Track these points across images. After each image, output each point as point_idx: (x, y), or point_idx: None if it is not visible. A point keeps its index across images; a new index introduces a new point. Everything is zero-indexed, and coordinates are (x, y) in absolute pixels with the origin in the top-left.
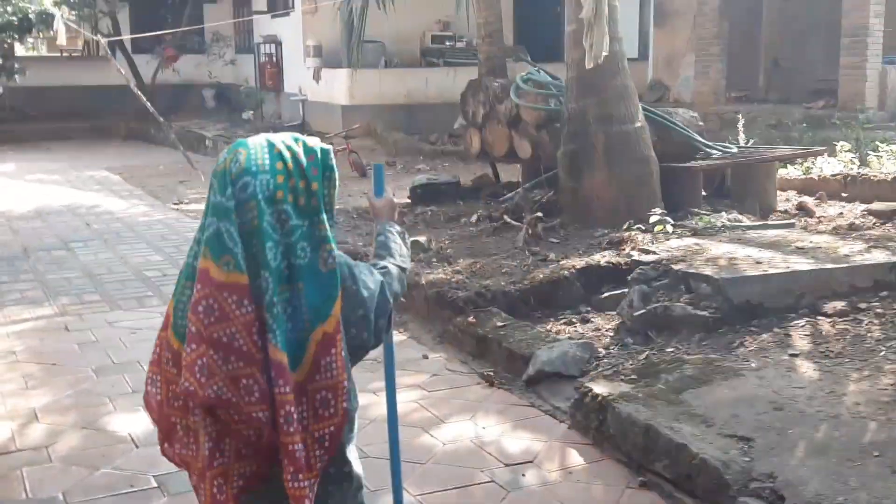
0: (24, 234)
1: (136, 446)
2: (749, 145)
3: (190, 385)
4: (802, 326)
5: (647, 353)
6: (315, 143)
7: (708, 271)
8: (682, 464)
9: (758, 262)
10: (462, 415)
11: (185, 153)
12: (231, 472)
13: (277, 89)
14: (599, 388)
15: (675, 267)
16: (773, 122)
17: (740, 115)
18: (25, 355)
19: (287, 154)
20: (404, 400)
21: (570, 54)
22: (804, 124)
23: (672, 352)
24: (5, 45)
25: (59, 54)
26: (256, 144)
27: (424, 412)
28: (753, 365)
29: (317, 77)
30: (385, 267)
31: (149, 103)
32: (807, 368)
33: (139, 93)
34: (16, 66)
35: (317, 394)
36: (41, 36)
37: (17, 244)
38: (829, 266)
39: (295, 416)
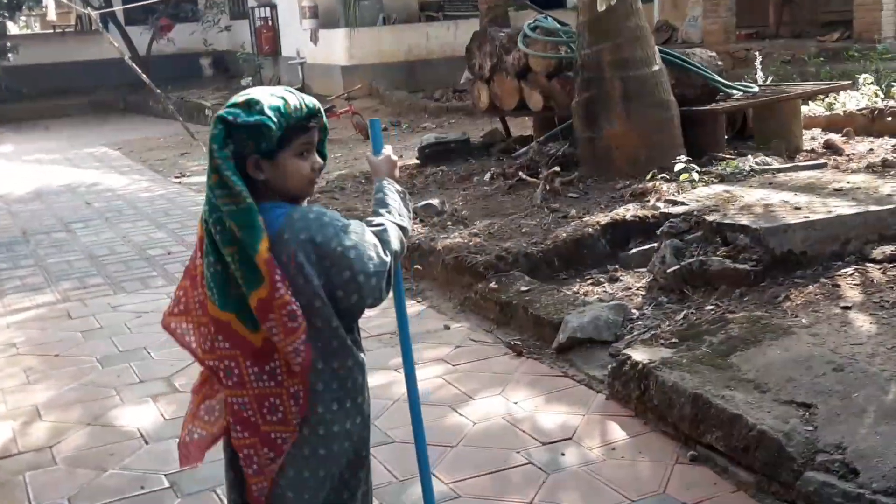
0: (22, 217)
1: (146, 442)
2: (768, 84)
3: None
4: (851, 275)
5: (684, 312)
6: (229, 105)
7: (744, 220)
8: (737, 436)
9: (796, 208)
10: (491, 389)
11: (184, 124)
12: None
13: (275, 53)
14: (639, 355)
15: (708, 218)
16: (788, 59)
17: (757, 53)
18: (26, 347)
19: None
20: (428, 376)
21: None
22: (820, 58)
23: (712, 310)
24: None
25: (51, 31)
26: None
27: (450, 388)
28: (804, 321)
29: (314, 39)
30: (381, 224)
31: (144, 75)
32: (863, 322)
33: (134, 65)
34: (8, 44)
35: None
36: (33, 13)
37: (16, 228)
38: (874, 208)
39: (237, 371)
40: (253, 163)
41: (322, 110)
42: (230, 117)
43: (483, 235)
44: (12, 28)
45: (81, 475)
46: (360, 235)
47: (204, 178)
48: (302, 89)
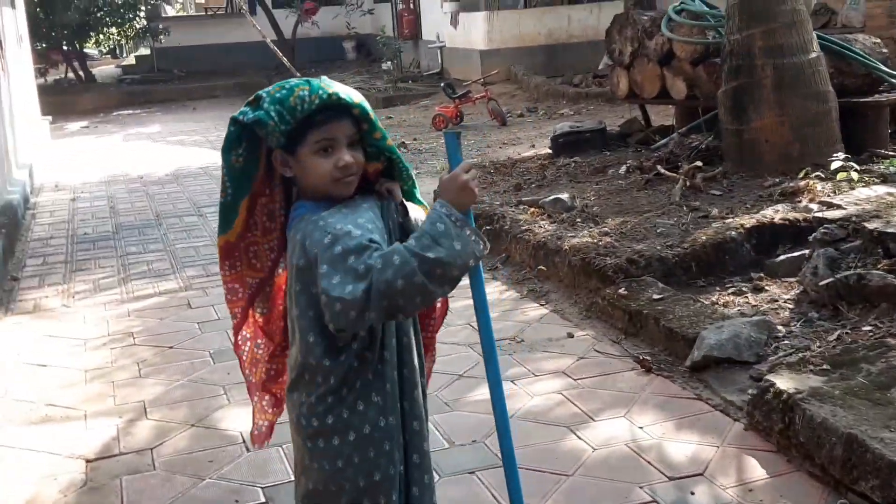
0: (158, 200)
1: (247, 449)
2: None
3: None
4: None
5: (838, 332)
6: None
7: None
8: None
9: None
10: (615, 409)
11: None
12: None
13: (415, 37)
14: (784, 383)
15: (869, 225)
16: None
17: None
18: (143, 337)
19: None
20: (547, 391)
21: None
22: None
23: (870, 331)
24: (150, 6)
25: (203, 13)
26: None
27: (570, 406)
28: None
29: (454, 22)
30: (390, 252)
31: (285, 59)
32: None
33: (274, 48)
34: (160, 26)
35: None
36: None
37: (151, 211)
38: None
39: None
40: (279, 158)
41: (350, 101)
42: (239, 116)
43: (614, 235)
44: (169, 10)
45: (178, 483)
46: (344, 255)
47: None
48: (441, 73)
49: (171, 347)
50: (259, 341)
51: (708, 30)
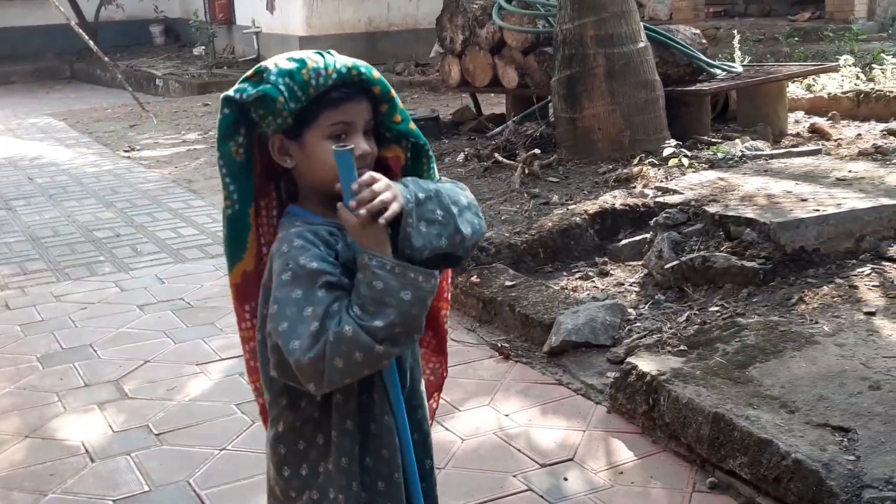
0: None
1: (92, 460)
2: (748, 64)
3: None
4: (868, 275)
5: (687, 313)
6: (240, 80)
7: (750, 213)
8: (767, 463)
9: (802, 200)
10: (479, 398)
11: (133, 94)
12: None
13: (229, 22)
14: (645, 365)
15: (710, 209)
16: (759, 37)
17: (735, 32)
18: None
19: None
20: None
21: None
22: (795, 38)
23: (718, 312)
24: None
25: None
26: None
27: None
28: (826, 328)
29: (270, 7)
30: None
31: (92, 42)
32: (891, 330)
33: (81, 31)
34: None
35: None
36: None
37: None
38: (887, 201)
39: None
40: (277, 144)
41: (370, 76)
42: (236, 95)
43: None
44: None
45: (17, 500)
46: (299, 302)
47: (155, 153)
48: (257, 60)
49: None
50: None
51: (538, 19)
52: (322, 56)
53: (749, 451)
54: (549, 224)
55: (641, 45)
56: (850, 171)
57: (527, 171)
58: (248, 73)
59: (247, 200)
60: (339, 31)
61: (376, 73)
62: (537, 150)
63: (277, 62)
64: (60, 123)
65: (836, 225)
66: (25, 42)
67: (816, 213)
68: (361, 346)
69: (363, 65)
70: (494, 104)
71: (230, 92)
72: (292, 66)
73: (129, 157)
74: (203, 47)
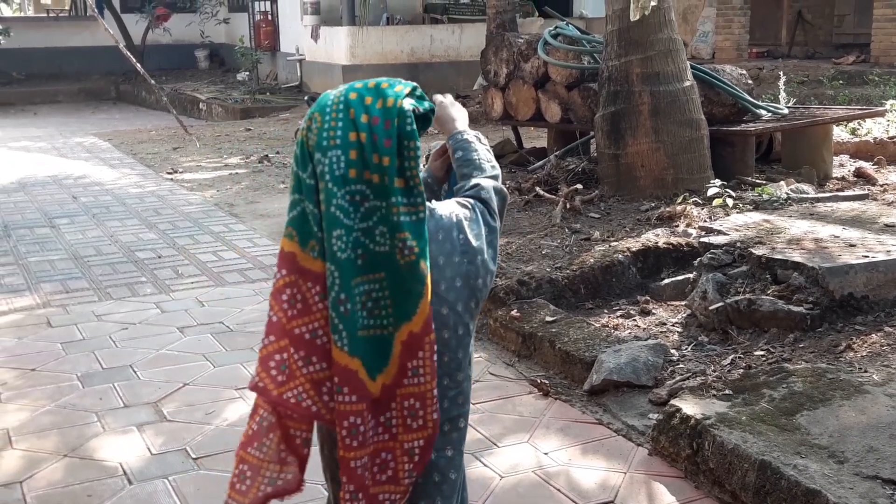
0: (4, 210)
1: (130, 482)
2: (793, 105)
3: (261, 381)
4: None
5: (731, 357)
6: (402, 98)
7: (797, 257)
8: None
9: (850, 245)
10: (518, 435)
11: (177, 117)
12: (262, 469)
13: (273, 49)
14: (690, 408)
15: (756, 252)
16: (803, 79)
17: (781, 73)
18: (0, 358)
19: (363, 119)
20: None
21: (610, 5)
22: (839, 81)
23: (763, 356)
24: None
25: (44, 14)
26: (333, 107)
27: (472, 432)
28: (876, 377)
29: (315, 36)
30: (476, 185)
31: (139, 65)
32: None
33: (128, 53)
34: None
35: (405, 401)
36: None
37: None
38: None
39: (362, 428)
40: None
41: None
42: (411, 107)
43: (500, 255)
44: (5, 10)
45: None
46: (472, 216)
47: (197, 175)
48: (299, 86)
49: (32, 370)
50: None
51: (583, 55)
52: None
53: (796, 502)
54: (591, 260)
55: (687, 83)
56: None
57: (568, 206)
58: (396, 87)
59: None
60: (382, 62)
61: None
62: (579, 186)
63: (398, 82)
64: (105, 143)
65: (886, 272)
66: (72, 62)
67: (865, 260)
68: (501, 190)
69: None
70: (534, 138)
71: (404, 106)
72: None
73: (171, 180)
74: (247, 73)
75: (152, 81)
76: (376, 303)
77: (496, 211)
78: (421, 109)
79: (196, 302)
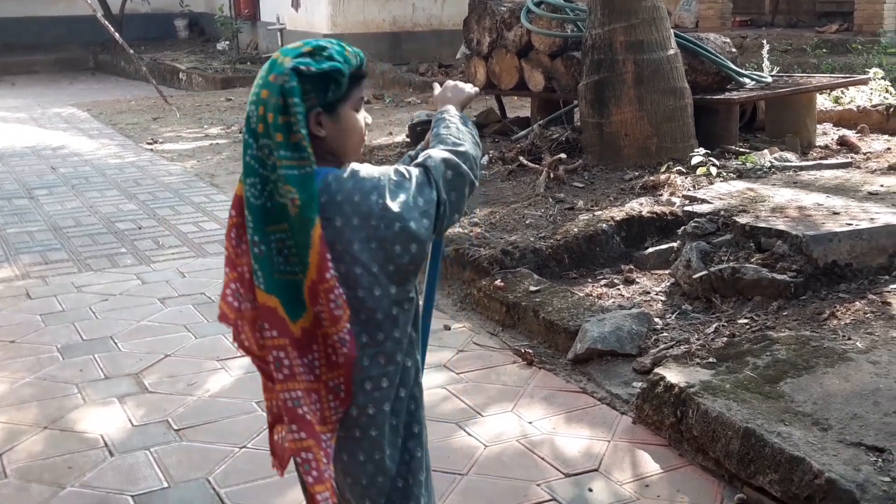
0: None
1: (111, 453)
2: (777, 74)
3: (221, 310)
4: None
5: (715, 325)
6: (291, 55)
7: (781, 225)
8: (798, 482)
9: (834, 213)
10: (502, 404)
11: (157, 87)
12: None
13: (253, 18)
14: (674, 376)
15: (740, 220)
16: (786, 48)
17: (764, 42)
18: None
19: (270, 79)
20: (431, 385)
21: None
22: (822, 49)
23: (747, 324)
24: None
25: None
26: (266, 64)
27: (456, 402)
28: (860, 345)
29: (295, 4)
30: (422, 163)
31: (117, 34)
32: None
33: (107, 23)
34: None
35: (327, 339)
36: None
37: None
38: None
39: (287, 361)
40: (315, 117)
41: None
42: (303, 66)
43: (484, 225)
44: None
45: (35, 492)
46: (401, 182)
47: (177, 146)
48: None
49: (12, 342)
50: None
51: (567, 23)
52: (339, 44)
53: (780, 469)
54: (575, 230)
55: (671, 51)
56: (881, 186)
57: (552, 176)
58: (302, 49)
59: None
60: (364, 31)
61: None
62: (563, 155)
63: (328, 45)
64: (84, 114)
65: (870, 240)
66: (49, 32)
67: (849, 228)
68: (455, 163)
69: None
70: (518, 107)
71: (295, 62)
72: (338, 48)
73: (151, 150)
74: (227, 42)
75: (131, 51)
76: (290, 250)
77: (438, 181)
78: (313, 69)
79: (177, 273)
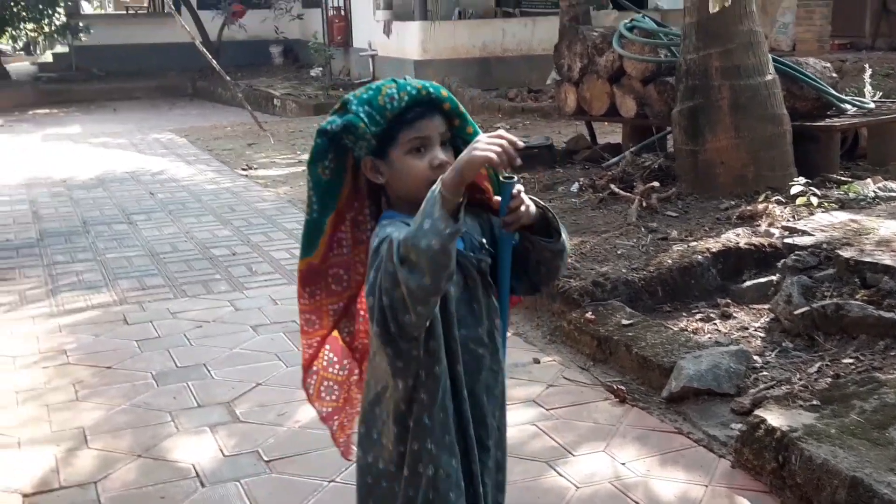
0: (84, 206)
1: (202, 484)
2: (880, 99)
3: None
4: None
5: (818, 364)
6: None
7: (887, 259)
8: None
9: None
10: (593, 443)
11: (252, 113)
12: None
13: (346, 44)
14: (775, 419)
15: (843, 254)
16: (888, 72)
17: (867, 66)
18: (77, 355)
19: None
20: (519, 421)
21: None
22: None
23: (851, 364)
24: (70, 3)
25: (124, 11)
26: None
27: (546, 439)
28: None
29: (387, 31)
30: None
31: (214, 61)
32: None
33: (204, 50)
34: (80, 24)
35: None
36: None
37: (76, 217)
38: None
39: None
40: (369, 165)
41: (439, 94)
42: (327, 126)
43: (574, 255)
44: (86, 7)
45: None
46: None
47: (271, 172)
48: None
49: (108, 367)
50: (345, 362)
51: (660, 48)
52: (395, 82)
53: None
54: (669, 261)
55: (769, 77)
56: None
57: (644, 204)
58: (336, 106)
59: (327, 212)
60: (454, 56)
61: (444, 92)
62: (655, 183)
63: (357, 94)
64: (182, 140)
65: None
66: (150, 59)
67: None
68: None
69: (431, 84)
70: (608, 133)
71: (323, 125)
72: (370, 94)
73: (246, 176)
74: (320, 69)
75: (227, 78)
76: None
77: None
78: (334, 127)
79: (269, 300)
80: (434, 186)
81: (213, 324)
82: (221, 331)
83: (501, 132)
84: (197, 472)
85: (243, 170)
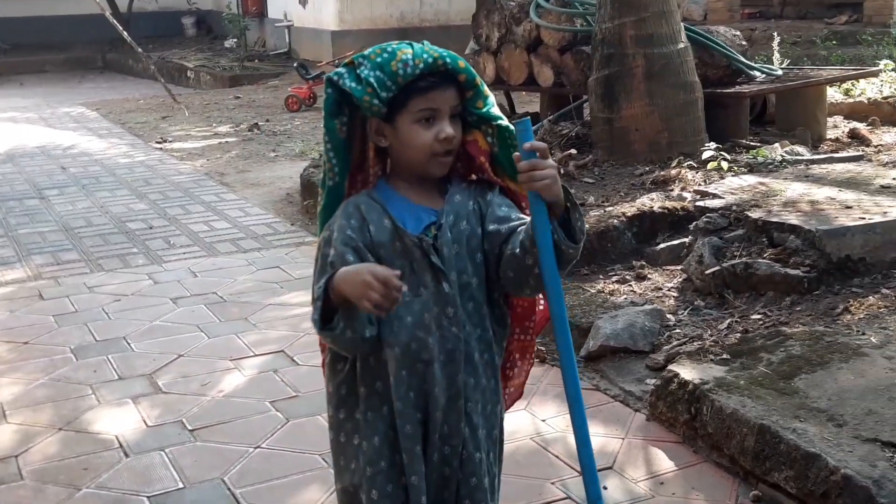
0: None
1: (126, 454)
2: (787, 66)
3: None
4: None
5: (728, 321)
6: (345, 63)
7: (794, 220)
8: (814, 478)
9: (847, 207)
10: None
11: (165, 86)
12: None
13: (261, 15)
14: (688, 373)
15: (752, 215)
16: (795, 40)
17: (775, 34)
18: None
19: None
20: None
21: None
22: (832, 41)
23: (760, 320)
24: None
25: None
26: None
27: None
28: (874, 340)
29: (303, 1)
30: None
31: (125, 32)
32: None
33: (115, 21)
34: None
35: None
36: None
37: None
38: None
39: None
40: (374, 126)
41: (456, 66)
42: (335, 77)
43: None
44: None
45: (51, 494)
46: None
47: (187, 144)
48: (288, 53)
49: (25, 343)
50: None
51: (576, 17)
52: (411, 46)
53: (795, 465)
54: (587, 226)
55: (682, 45)
56: (893, 179)
57: (562, 172)
58: (347, 60)
59: (345, 173)
60: (371, 27)
61: (462, 63)
62: (573, 151)
63: (370, 55)
64: (93, 113)
65: (883, 234)
66: (57, 31)
67: (862, 222)
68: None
69: (449, 54)
70: (526, 103)
71: (331, 73)
72: (384, 57)
73: (161, 149)
74: (235, 40)
75: (139, 50)
76: None
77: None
78: (342, 83)
79: (188, 272)
80: (333, 277)
81: (131, 297)
82: (141, 304)
83: (387, 278)
84: (120, 443)
85: (158, 143)
